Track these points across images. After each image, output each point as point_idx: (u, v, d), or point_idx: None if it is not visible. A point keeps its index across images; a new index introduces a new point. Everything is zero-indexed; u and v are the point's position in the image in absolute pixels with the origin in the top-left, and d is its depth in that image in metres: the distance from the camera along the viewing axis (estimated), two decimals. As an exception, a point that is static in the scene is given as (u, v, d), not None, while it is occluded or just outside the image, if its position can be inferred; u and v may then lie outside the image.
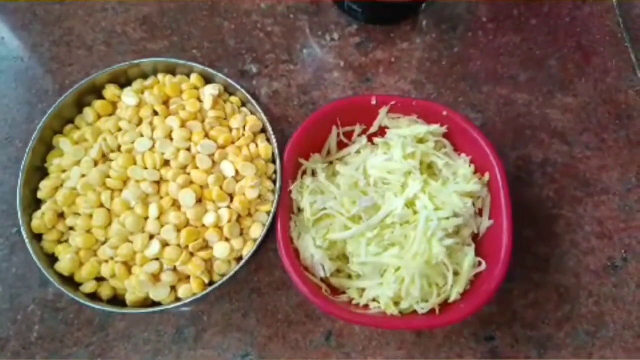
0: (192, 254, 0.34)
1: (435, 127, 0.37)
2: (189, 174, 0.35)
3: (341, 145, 0.39)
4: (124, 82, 0.39)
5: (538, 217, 0.41)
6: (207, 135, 0.37)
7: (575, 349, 0.37)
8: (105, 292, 0.34)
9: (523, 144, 0.43)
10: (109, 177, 0.35)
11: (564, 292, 0.39)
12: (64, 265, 0.34)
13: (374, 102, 0.38)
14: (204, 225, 0.35)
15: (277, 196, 0.35)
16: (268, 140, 0.38)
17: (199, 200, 0.35)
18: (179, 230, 0.34)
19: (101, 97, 0.39)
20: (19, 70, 0.45)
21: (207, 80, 0.39)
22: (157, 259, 0.34)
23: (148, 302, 0.35)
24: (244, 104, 0.39)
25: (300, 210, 0.37)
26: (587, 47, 0.46)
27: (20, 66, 0.45)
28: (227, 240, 0.35)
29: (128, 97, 0.37)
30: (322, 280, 0.35)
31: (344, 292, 0.36)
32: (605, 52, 0.46)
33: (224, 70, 0.44)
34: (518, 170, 0.42)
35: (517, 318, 0.38)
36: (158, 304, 0.34)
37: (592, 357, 0.37)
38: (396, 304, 0.34)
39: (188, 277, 0.34)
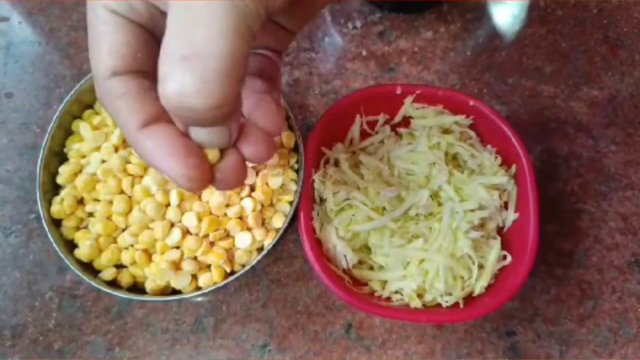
0: (212, 244, 0.34)
1: (461, 118, 0.37)
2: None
3: (364, 135, 0.39)
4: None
5: (561, 211, 0.40)
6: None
7: (597, 345, 0.37)
8: (124, 279, 0.34)
9: (548, 137, 0.42)
10: (129, 163, 0.34)
11: (587, 288, 0.38)
12: (84, 251, 0.33)
13: (398, 91, 0.37)
14: (225, 214, 0.34)
15: (299, 186, 0.35)
16: (290, 128, 0.37)
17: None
18: (200, 219, 0.33)
19: (121, 82, 0.38)
20: (36, 55, 0.44)
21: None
22: (177, 247, 0.34)
23: (167, 291, 0.34)
24: (265, 92, 0.39)
25: (322, 200, 0.36)
26: (614, 40, 0.45)
27: (37, 51, 0.45)
28: (249, 230, 0.34)
29: (149, 83, 0.36)
30: (344, 271, 0.35)
31: (365, 284, 0.35)
32: (632, 45, 0.45)
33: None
34: (542, 164, 0.41)
35: (538, 313, 0.38)
36: (177, 292, 0.34)
37: (614, 353, 0.37)
38: (419, 296, 0.34)
39: (209, 266, 0.34)
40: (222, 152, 0.20)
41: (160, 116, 0.19)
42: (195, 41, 0.15)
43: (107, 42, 0.19)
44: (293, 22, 0.22)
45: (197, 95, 0.15)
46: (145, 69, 0.19)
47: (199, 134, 0.18)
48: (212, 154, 0.19)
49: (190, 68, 0.15)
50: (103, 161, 0.35)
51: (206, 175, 0.19)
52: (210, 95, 0.15)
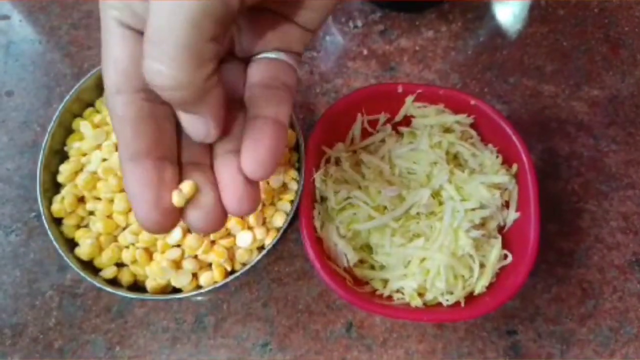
0: (213, 242, 0.34)
1: (462, 117, 0.37)
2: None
3: (365, 134, 0.39)
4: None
5: (562, 210, 0.40)
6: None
7: (598, 345, 0.37)
8: (125, 278, 0.34)
9: (548, 137, 0.42)
10: (130, 161, 0.34)
11: (588, 287, 0.38)
12: (84, 250, 0.33)
13: (400, 90, 0.37)
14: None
15: (300, 185, 0.35)
16: (292, 127, 0.37)
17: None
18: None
19: (121, 81, 0.38)
20: (37, 53, 0.44)
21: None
22: (178, 246, 0.34)
23: (168, 290, 0.34)
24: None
25: (323, 199, 0.36)
26: (615, 39, 0.45)
27: (38, 49, 0.44)
28: (250, 228, 0.34)
29: (150, 81, 0.36)
30: (345, 270, 0.35)
31: (366, 283, 0.35)
32: (633, 44, 0.45)
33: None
34: (543, 163, 0.41)
35: (539, 313, 0.38)
36: (178, 291, 0.34)
37: (615, 353, 0.37)
38: (420, 295, 0.34)
39: (209, 265, 0.34)
40: (198, 195, 0.20)
41: (151, 150, 0.19)
42: (156, 27, 0.16)
43: (113, 56, 0.19)
44: (307, 17, 0.21)
45: (157, 75, 0.16)
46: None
47: (180, 117, 0.20)
48: (179, 199, 0.19)
49: (151, 51, 0.16)
50: (104, 159, 0.35)
51: (164, 227, 0.19)
52: (168, 77, 0.16)
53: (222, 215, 0.20)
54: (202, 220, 0.20)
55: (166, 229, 0.19)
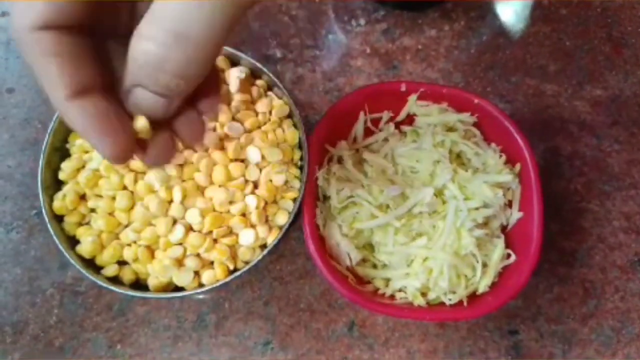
0: (215, 241, 0.34)
1: (465, 116, 0.37)
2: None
3: (367, 133, 0.39)
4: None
5: (565, 210, 0.40)
6: (233, 119, 0.36)
7: (600, 344, 0.37)
8: (127, 276, 0.34)
9: (551, 136, 0.42)
10: (132, 158, 0.34)
11: (590, 287, 0.38)
12: (85, 247, 0.33)
13: (403, 88, 0.37)
14: (228, 211, 0.34)
15: (303, 183, 0.35)
16: (294, 125, 0.37)
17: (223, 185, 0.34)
18: (203, 216, 0.33)
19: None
20: (38, 50, 0.44)
21: (232, 62, 0.39)
22: (180, 244, 0.33)
23: (170, 288, 0.34)
24: (269, 88, 0.39)
25: (326, 197, 0.36)
26: (618, 39, 0.45)
27: (39, 46, 0.44)
28: (252, 227, 0.34)
29: (152, 79, 0.36)
30: (347, 269, 0.34)
31: (369, 282, 0.35)
32: (636, 44, 0.45)
33: (247, 54, 0.43)
34: (546, 162, 0.41)
35: (541, 312, 0.38)
36: (180, 289, 0.34)
37: (616, 353, 0.37)
38: (422, 294, 0.34)
39: (212, 263, 0.34)
40: (155, 129, 0.20)
41: (92, 85, 0.18)
42: (186, 21, 0.16)
43: None
44: None
45: (172, 63, 0.17)
46: (82, 22, 0.18)
47: (144, 97, 0.19)
48: (142, 127, 0.20)
49: (176, 43, 0.16)
50: (105, 157, 0.34)
51: (132, 151, 0.20)
52: (188, 67, 0.17)
53: (174, 149, 0.22)
54: (162, 154, 0.21)
55: (130, 156, 0.20)
